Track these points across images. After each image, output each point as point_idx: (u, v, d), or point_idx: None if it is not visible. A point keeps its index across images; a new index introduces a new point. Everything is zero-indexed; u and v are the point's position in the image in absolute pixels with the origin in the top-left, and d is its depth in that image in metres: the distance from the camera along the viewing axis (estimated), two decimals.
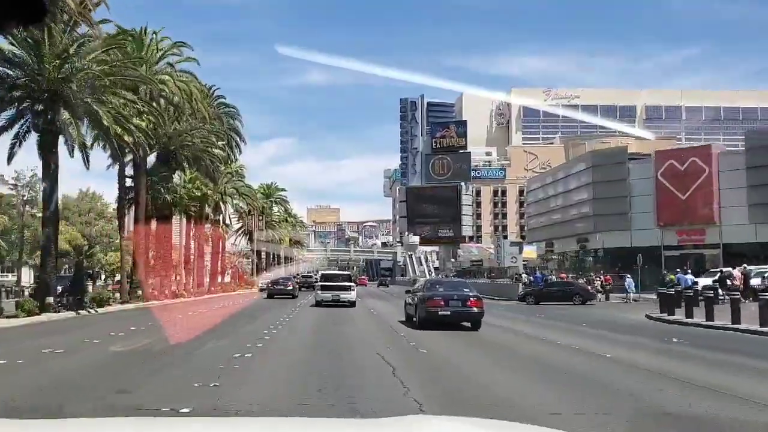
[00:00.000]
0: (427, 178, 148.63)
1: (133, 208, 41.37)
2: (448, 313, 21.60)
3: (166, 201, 42.03)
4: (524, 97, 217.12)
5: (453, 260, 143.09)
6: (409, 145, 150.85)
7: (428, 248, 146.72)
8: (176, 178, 48.86)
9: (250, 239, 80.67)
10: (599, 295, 53.48)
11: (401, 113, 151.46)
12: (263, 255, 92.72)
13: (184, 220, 52.15)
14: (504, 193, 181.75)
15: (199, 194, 50.27)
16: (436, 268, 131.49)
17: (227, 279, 70.86)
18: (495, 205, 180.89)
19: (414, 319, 23.38)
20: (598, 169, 63.92)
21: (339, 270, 76.29)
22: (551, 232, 75.85)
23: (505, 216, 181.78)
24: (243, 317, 29.42)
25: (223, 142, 52.73)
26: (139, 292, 39.20)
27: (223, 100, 56.89)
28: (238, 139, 57.24)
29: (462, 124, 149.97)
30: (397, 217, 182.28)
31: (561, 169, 75.01)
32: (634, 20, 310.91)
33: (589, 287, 53.34)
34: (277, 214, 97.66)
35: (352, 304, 36.24)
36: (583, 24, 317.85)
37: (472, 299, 22.05)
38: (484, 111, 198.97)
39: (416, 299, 23.26)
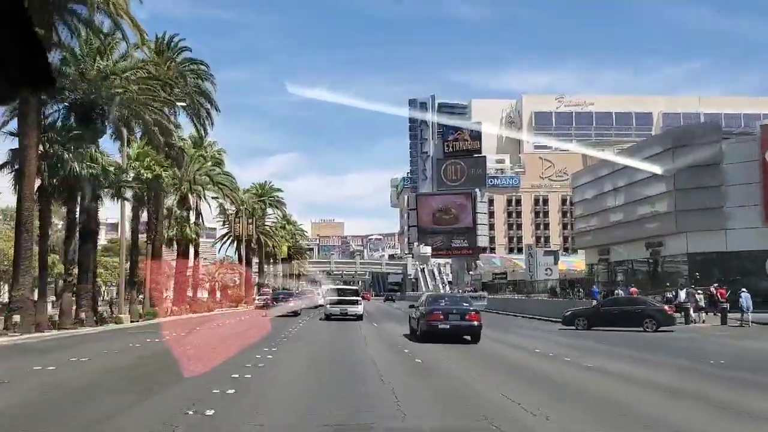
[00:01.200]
0: (438, 184, 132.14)
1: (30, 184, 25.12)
2: (448, 326, 21.29)
3: (75, 174, 25.56)
4: (536, 102, 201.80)
5: (471, 273, 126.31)
6: (419, 149, 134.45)
7: (441, 260, 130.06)
8: (118, 157, 32.81)
9: (238, 248, 64.47)
10: (702, 314, 37.31)
11: (410, 114, 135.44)
12: (255, 266, 76.52)
13: (129, 211, 35.58)
14: (519, 202, 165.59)
15: (149, 176, 33.97)
16: (449, 282, 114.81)
17: (204, 295, 54.57)
18: (509, 215, 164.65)
19: (417, 332, 22.70)
20: (682, 152, 47.29)
21: (344, 285, 72.30)
22: (607, 236, 59.02)
23: (520, 227, 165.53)
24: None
25: (184, 104, 36.61)
26: (17, 318, 22.95)
27: (188, 54, 40.78)
28: (209, 107, 40.98)
29: (476, 125, 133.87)
30: (405, 227, 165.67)
31: (623, 155, 57.87)
32: (635, 34, 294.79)
33: (689, 304, 37.19)
34: (273, 219, 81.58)
35: (359, 317, 35.41)
36: (583, 39, 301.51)
37: (471, 313, 21.83)
38: (493, 119, 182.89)
39: (418, 313, 22.92)
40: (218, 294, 57.97)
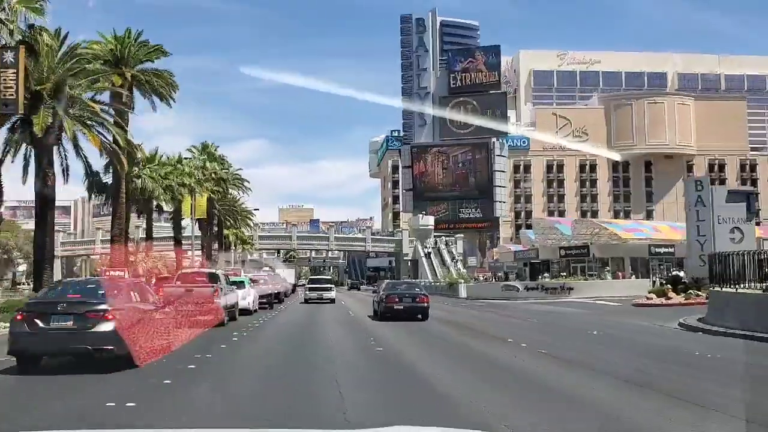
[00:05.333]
0: (441, 131, 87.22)
1: None
2: (402, 307, 22.41)
3: None
4: (535, 59, 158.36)
5: (516, 248, 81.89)
6: (415, 85, 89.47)
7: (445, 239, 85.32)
8: None
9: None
10: None
11: (402, 36, 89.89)
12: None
13: None
14: (528, 168, 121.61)
15: None
16: (472, 266, 70.37)
17: None
18: (516, 184, 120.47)
19: (378, 313, 23.75)
20: None
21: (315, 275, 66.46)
22: None
23: (529, 199, 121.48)
24: None
25: None
26: None
27: None
28: None
29: (493, 51, 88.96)
30: (389, 199, 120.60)
31: None
32: (615, 30, 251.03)
33: None
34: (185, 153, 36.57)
35: (332, 300, 37.22)
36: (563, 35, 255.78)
37: (421, 296, 23.34)
38: None
39: (378, 297, 24.29)
40: None
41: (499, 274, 68.35)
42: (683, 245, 49.58)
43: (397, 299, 22.72)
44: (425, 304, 22.85)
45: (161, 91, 30.46)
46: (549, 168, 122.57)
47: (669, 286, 31.98)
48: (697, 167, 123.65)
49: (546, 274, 52.74)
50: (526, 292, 42.88)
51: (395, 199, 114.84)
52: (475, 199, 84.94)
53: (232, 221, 51.53)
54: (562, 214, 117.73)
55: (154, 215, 38.62)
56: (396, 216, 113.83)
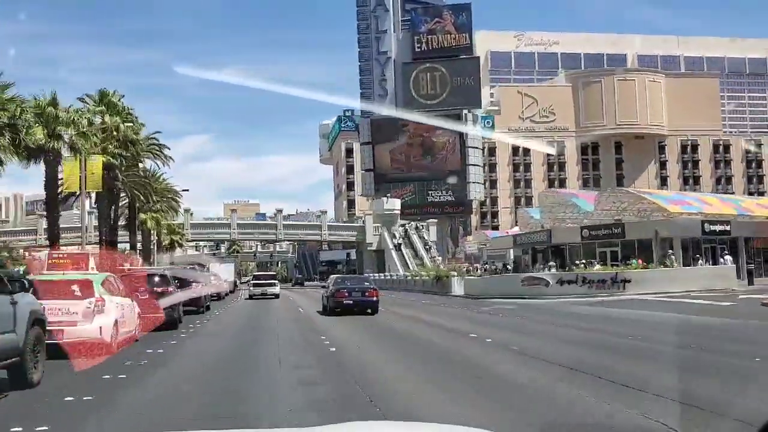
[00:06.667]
0: (406, 102, 74.44)
1: None
2: (351, 302, 21.72)
3: None
4: (492, 40, 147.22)
5: (464, 241, 70.27)
6: (374, 49, 76.11)
7: (415, 224, 72.19)
8: None
9: None
10: None
11: None
12: None
13: None
14: (492, 152, 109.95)
15: None
16: (469, 257, 57.73)
17: None
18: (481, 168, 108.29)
19: (327, 308, 22.91)
20: None
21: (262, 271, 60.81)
22: None
23: (494, 184, 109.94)
24: None
25: None
26: None
27: None
28: None
29: (464, 9, 76.09)
30: (343, 186, 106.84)
31: None
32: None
33: None
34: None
35: (276, 296, 36.17)
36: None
37: (370, 290, 22.54)
38: None
39: (328, 292, 23.26)
40: None
41: (485, 264, 55.89)
42: (738, 222, 38.08)
43: (346, 293, 22.05)
44: (375, 299, 22.14)
45: None
46: (515, 151, 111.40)
47: None
48: (669, 148, 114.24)
49: (552, 263, 40.35)
50: (559, 286, 30.10)
51: (350, 185, 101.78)
52: (446, 179, 72.07)
53: (145, 200, 37.16)
54: (529, 200, 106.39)
55: None
56: (351, 204, 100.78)
